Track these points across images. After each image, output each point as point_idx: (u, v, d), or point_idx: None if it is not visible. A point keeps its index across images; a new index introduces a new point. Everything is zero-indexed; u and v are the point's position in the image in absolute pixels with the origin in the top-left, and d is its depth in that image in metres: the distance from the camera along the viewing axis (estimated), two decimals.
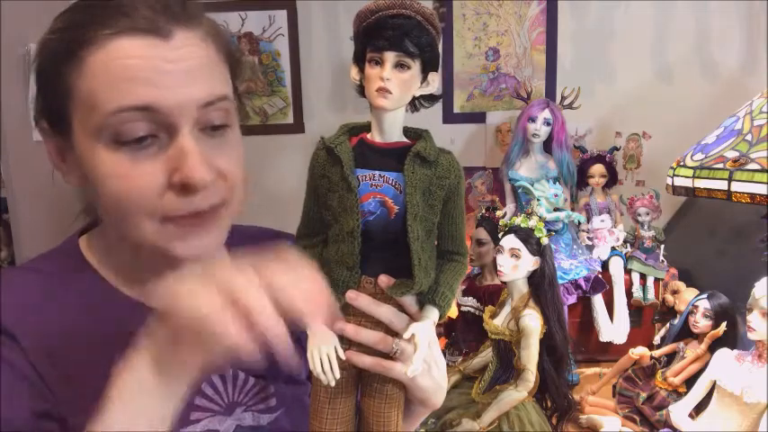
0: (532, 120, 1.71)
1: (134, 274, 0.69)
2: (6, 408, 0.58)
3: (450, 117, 1.99)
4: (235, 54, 0.67)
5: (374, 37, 0.62)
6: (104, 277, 0.68)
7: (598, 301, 1.65)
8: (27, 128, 1.74)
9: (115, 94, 0.57)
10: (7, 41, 1.78)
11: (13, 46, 1.78)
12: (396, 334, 0.66)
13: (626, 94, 1.90)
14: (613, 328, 1.63)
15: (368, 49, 0.63)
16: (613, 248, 1.71)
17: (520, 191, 1.75)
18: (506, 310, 1.25)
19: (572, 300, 1.62)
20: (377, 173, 0.64)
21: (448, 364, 0.76)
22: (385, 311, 0.65)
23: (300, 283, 0.48)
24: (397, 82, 0.62)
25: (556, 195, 1.61)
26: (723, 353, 1.26)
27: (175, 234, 0.62)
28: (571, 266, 1.64)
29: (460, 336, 1.58)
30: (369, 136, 0.66)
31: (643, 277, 1.67)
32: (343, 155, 0.63)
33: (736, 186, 1.10)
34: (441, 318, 0.67)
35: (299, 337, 0.80)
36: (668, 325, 1.56)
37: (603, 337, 1.63)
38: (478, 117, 1.99)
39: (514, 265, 1.22)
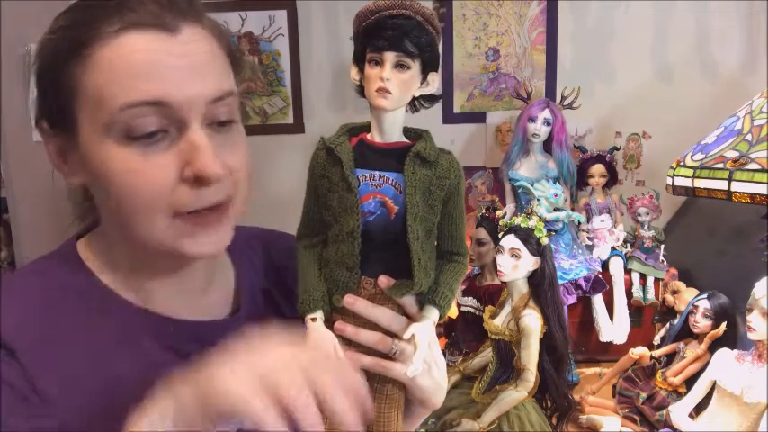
0: (532, 120, 1.71)
1: (134, 277, 0.68)
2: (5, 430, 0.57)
3: (450, 117, 1.99)
4: (235, 53, 0.68)
5: (374, 37, 0.62)
6: (103, 281, 0.67)
7: (598, 301, 1.65)
8: (27, 128, 1.74)
9: (125, 88, 0.56)
10: (7, 41, 1.78)
11: (13, 46, 1.78)
12: (395, 334, 0.65)
13: (626, 94, 1.90)
14: (613, 328, 1.63)
15: (368, 50, 0.63)
16: (613, 248, 1.71)
17: (520, 191, 1.75)
18: (506, 310, 1.25)
19: (572, 300, 1.62)
20: (377, 173, 0.64)
21: (448, 364, 0.76)
22: (383, 314, 0.65)
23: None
24: (397, 82, 0.62)
25: (556, 195, 1.61)
26: (723, 353, 1.26)
27: (185, 231, 0.61)
28: (571, 266, 1.64)
29: (460, 336, 1.57)
30: (369, 136, 0.66)
31: (643, 277, 1.67)
32: (343, 155, 0.63)
33: (736, 186, 1.10)
34: (441, 318, 0.66)
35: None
36: (668, 325, 1.57)
37: (603, 337, 1.63)
38: (478, 117, 1.99)
39: (514, 265, 1.22)
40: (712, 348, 1.33)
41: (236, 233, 0.67)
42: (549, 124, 1.71)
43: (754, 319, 1.18)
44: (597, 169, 1.76)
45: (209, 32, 0.63)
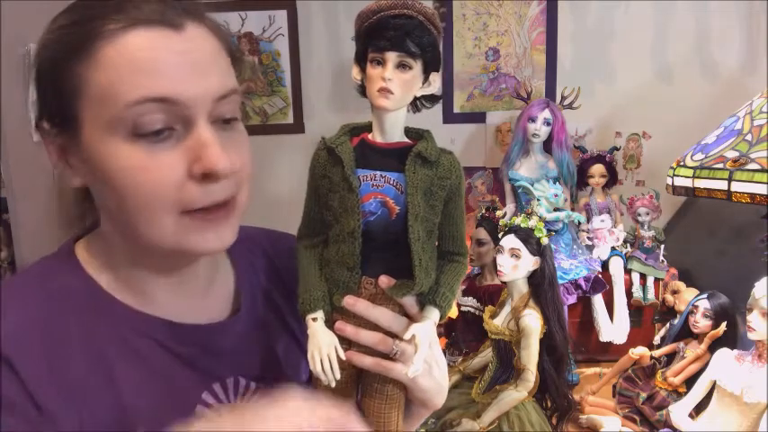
0: (532, 120, 1.71)
1: (133, 279, 0.68)
2: None
3: (450, 117, 1.99)
4: (236, 53, 0.68)
5: (376, 37, 0.62)
6: (102, 285, 0.67)
7: (598, 301, 1.65)
8: (27, 128, 1.73)
9: (132, 86, 0.56)
10: (7, 41, 1.78)
11: (13, 46, 1.78)
12: (396, 335, 0.65)
13: (626, 94, 1.90)
14: (613, 328, 1.63)
15: (369, 50, 0.63)
16: (613, 248, 1.71)
17: (520, 191, 1.75)
18: (506, 310, 1.25)
19: (572, 300, 1.62)
20: (378, 173, 0.64)
21: (448, 365, 0.76)
22: (383, 315, 0.65)
23: None
24: (399, 82, 0.62)
25: (556, 195, 1.61)
26: (723, 353, 1.26)
27: (192, 228, 0.61)
28: (571, 266, 1.64)
29: (460, 336, 1.57)
30: (370, 136, 0.66)
31: (643, 277, 1.67)
32: (344, 155, 0.63)
33: (736, 186, 1.10)
34: (441, 318, 0.66)
35: (299, 338, 0.80)
36: (668, 325, 1.56)
37: (603, 337, 1.63)
38: (478, 117, 1.99)
39: (514, 265, 1.22)
40: (712, 348, 1.33)
41: None
42: (549, 124, 1.71)
43: (754, 319, 1.18)
44: (597, 169, 1.76)
45: (210, 31, 0.63)
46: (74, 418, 0.60)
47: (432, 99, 0.67)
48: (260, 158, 2.02)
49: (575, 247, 1.71)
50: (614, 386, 1.49)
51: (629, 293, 1.66)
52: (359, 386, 0.70)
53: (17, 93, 1.78)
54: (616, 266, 1.67)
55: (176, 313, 0.69)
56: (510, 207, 1.80)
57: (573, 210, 1.75)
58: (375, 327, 0.65)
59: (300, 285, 0.66)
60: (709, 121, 1.33)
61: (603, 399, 1.48)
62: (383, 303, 0.65)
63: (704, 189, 1.17)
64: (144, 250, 0.64)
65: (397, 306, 0.66)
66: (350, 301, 0.64)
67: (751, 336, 1.20)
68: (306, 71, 2.03)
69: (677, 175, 1.24)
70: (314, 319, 0.64)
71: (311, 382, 0.78)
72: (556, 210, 1.62)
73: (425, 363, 0.66)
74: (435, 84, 0.65)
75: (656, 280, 1.66)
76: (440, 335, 1.63)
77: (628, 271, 1.68)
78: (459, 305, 1.56)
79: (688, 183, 1.21)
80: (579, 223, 1.73)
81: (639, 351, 1.48)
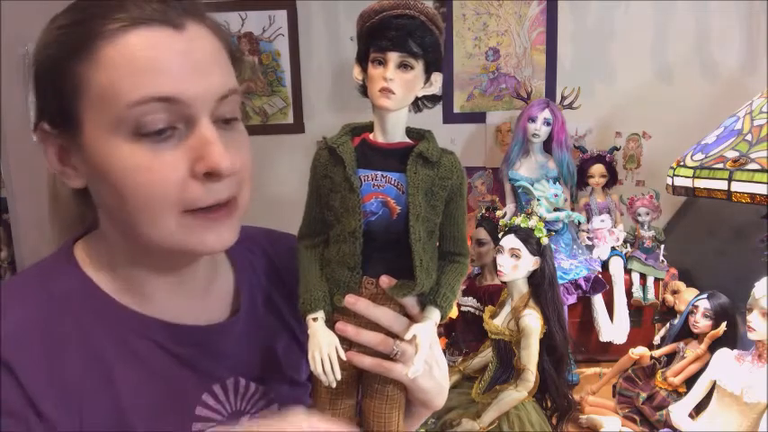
0: (532, 120, 1.71)
1: (133, 280, 0.67)
2: None
3: (450, 117, 1.99)
4: (236, 53, 0.68)
5: (377, 37, 0.61)
6: (101, 287, 0.67)
7: (598, 301, 1.65)
8: (27, 128, 1.72)
9: (135, 85, 0.56)
10: (7, 41, 1.78)
11: (13, 46, 1.78)
12: (396, 335, 0.65)
13: (626, 94, 1.90)
14: (613, 328, 1.63)
15: (371, 50, 0.62)
16: (613, 248, 1.71)
17: (520, 191, 1.75)
18: (506, 310, 1.25)
19: (572, 300, 1.62)
20: (379, 173, 0.64)
21: (448, 365, 0.76)
22: (384, 315, 0.65)
23: None
24: (401, 82, 0.61)
25: (556, 195, 1.61)
26: (723, 353, 1.26)
27: (195, 227, 0.61)
28: (571, 266, 1.64)
29: (460, 336, 1.58)
30: (371, 136, 0.66)
31: (643, 277, 1.67)
32: (345, 155, 0.63)
33: (736, 186, 1.10)
34: (442, 319, 0.66)
35: (300, 338, 0.80)
36: (668, 325, 1.57)
37: (603, 337, 1.63)
38: (478, 117, 1.99)
39: (514, 265, 1.22)
40: (712, 348, 1.33)
41: None
42: (549, 124, 1.71)
43: (754, 319, 1.18)
44: (597, 169, 1.76)
45: (211, 31, 0.63)
46: (74, 420, 0.60)
47: (433, 99, 0.67)
48: (260, 158, 2.03)
49: (575, 247, 1.71)
50: (614, 386, 1.49)
51: (629, 293, 1.66)
52: (360, 387, 0.70)
53: (17, 93, 1.78)
54: (616, 266, 1.67)
55: (175, 314, 0.69)
56: (510, 207, 1.80)
57: (573, 210, 1.75)
58: (375, 327, 0.65)
59: (301, 285, 0.66)
60: (709, 121, 1.33)
61: (603, 399, 1.48)
62: (384, 303, 0.65)
63: (704, 189, 1.17)
64: (144, 250, 0.64)
65: (397, 306, 0.66)
66: (351, 300, 0.64)
67: (751, 336, 1.20)
68: (306, 71, 2.03)
69: (677, 175, 1.24)
70: (314, 319, 0.64)
71: (311, 382, 0.78)
72: (556, 210, 1.62)
73: (426, 363, 0.66)
74: (437, 84, 0.65)
75: (656, 280, 1.66)
76: (440, 335, 1.63)
77: (628, 271, 1.68)
78: (459, 305, 1.56)
79: (688, 183, 1.21)
80: (579, 223, 1.73)
81: (639, 351, 1.48)
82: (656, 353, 1.48)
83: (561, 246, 1.68)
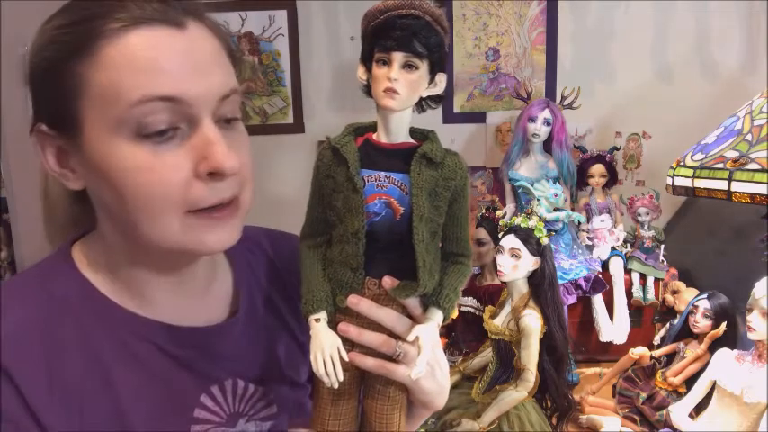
0: (532, 120, 1.71)
1: (132, 282, 0.67)
2: None
3: (450, 117, 1.99)
4: (235, 53, 0.68)
5: (382, 37, 0.61)
6: (99, 289, 0.66)
7: (598, 301, 1.65)
8: (27, 128, 1.74)
9: (137, 85, 0.56)
10: (7, 41, 1.78)
11: (13, 46, 1.78)
12: (399, 336, 0.65)
13: (626, 94, 1.90)
14: (613, 328, 1.63)
15: (376, 49, 0.62)
16: (613, 248, 1.71)
17: (520, 191, 1.75)
18: (506, 310, 1.25)
19: (572, 300, 1.62)
20: (382, 174, 0.63)
21: (448, 365, 0.76)
22: (387, 315, 0.64)
23: None
24: (405, 83, 0.61)
25: (556, 195, 1.61)
26: (723, 353, 1.26)
27: (198, 227, 0.61)
28: (571, 266, 1.64)
29: (460, 336, 1.58)
30: (375, 136, 0.65)
31: (643, 277, 1.67)
32: (348, 155, 0.63)
33: (736, 186, 1.10)
34: (444, 320, 0.66)
35: (299, 339, 0.80)
36: (668, 325, 1.56)
37: (603, 337, 1.63)
38: (478, 117, 1.99)
39: (514, 265, 1.22)
40: (712, 348, 1.32)
41: None
42: (549, 124, 1.71)
43: (754, 319, 1.18)
44: (597, 169, 1.76)
45: (211, 31, 0.63)
46: (73, 422, 0.60)
47: (437, 99, 0.67)
48: (260, 158, 2.03)
49: (575, 247, 1.71)
50: (614, 386, 1.49)
51: (629, 293, 1.66)
52: (361, 387, 0.69)
53: (17, 93, 1.78)
54: (616, 266, 1.67)
55: (174, 315, 0.69)
56: (510, 207, 1.80)
57: (573, 210, 1.75)
58: (378, 328, 0.65)
59: (303, 286, 0.66)
60: (709, 121, 1.33)
61: (603, 399, 1.48)
62: (386, 304, 0.65)
63: (704, 189, 1.17)
64: (145, 250, 0.64)
65: (400, 307, 0.66)
66: (353, 300, 0.64)
67: (751, 336, 1.20)
68: (306, 71, 2.02)
69: (677, 175, 1.24)
70: (317, 320, 0.64)
71: (311, 383, 0.78)
72: (556, 210, 1.62)
73: (428, 365, 0.65)
74: (441, 84, 0.65)
75: (656, 280, 1.66)
76: (440, 335, 1.63)
77: (628, 271, 1.68)
78: (459, 305, 1.56)
79: (688, 183, 1.21)
80: (579, 223, 1.73)
81: (639, 351, 1.48)
82: (656, 353, 1.48)
83: (561, 246, 1.68)
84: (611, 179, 1.78)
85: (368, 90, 0.65)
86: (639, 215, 1.71)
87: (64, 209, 0.73)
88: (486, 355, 1.34)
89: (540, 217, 1.29)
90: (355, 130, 0.66)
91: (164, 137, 0.58)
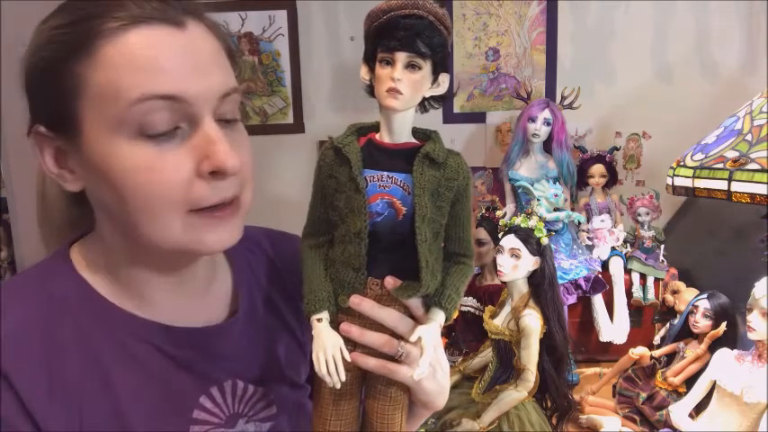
0: (532, 120, 1.71)
1: (131, 283, 0.67)
2: None
3: (450, 117, 1.99)
4: (234, 53, 0.68)
5: (385, 37, 0.61)
6: (98, 290, 0.66)
7: (598, 301, 1.65)
8: (26, 128, 1.74)
9: (138, 83, 0.56)
10: (7, 41, 1.78)
11: (13, 46, 1.78)
12: (401, 336, 0.65)
13: (626, 94, 1.90)
14: (613, 328, 1.63)
15: (379, 49, 0.62)
16: (613, 248, 1.71)
17: (520, 191, 1.75)
18: (506, 310, 1.25)
19: (572, 300, 1.62)
20: (385, 174, 0.63)
21: (449, 365, 0.76)
22: (389, 315, 0.64)
23: None
24: (408, 83, 0.61)
25: (556, 195, 1.61)
26: (723, 353, 1.26)
27: (201, 226, 0.61)
28: (571, 266, 1.64)
29: (460, 336, 1.58)
30: (377, 136, 0.65)
31: (643, 277, 1.67)
32: (351, 155, 0.62)
33: (736, 186, 1.10)
34: (447, 321, 0.66)
35: (300, 339, 0.80)
36: (668, 325, 1.57)
37: (603, 337, 1.63)
38: (478, 117, 1.99)
39: (514, 265, 1.22)
40: (712, 348, 1.33)
41: None
42: (549, 124, 1.71)
43: (754, 319, 1.18)
44: (597, 169, 1.76)
45: (210, 30, 0.63)
46: (72, 424, 0.60)
47: (440, 99, 0.66)
48: (260, 158, 2.01)
49: (575, 247, 1.71)
50: (614, 386, 1.49)
51: (629, 293, 1.66)
52: (363, 388, 0.69)
53: (17, 93, 1.78)
54: (616, 266, 1.67)
55: (173, 315, 0.68)
56: (510, 207, 1.80)
57: (573, 210, 1.75)
58: (380, 328, 0.65)
59: (305, 285, 0.65)
60: (709, 121, 1.33)
61: (603, 399, 1.48)
62: (389, 304, 0.65)
63: (704, 189, 1.17)
64: (145, 251, 0.64)
65: (402, 307, 0.65)
66: (356, 301, 0.63)
67: (751, 336, 1.20)
68: (306, 71, 2.02)
69: (677, 175, 1.24)
70: (319, 320, 0.63)
71: (311, 383, 0.78)
72: (556, 210, 1.62)
73: (430, 366, 0.65)
74: (444, 84, 0.65)
75: (656, 280, 1.66)
76: (440, 335, 1.63)
77: (628, 271, 1.68)
78: (459, 305, 1.56)
79: (688, 183, 1.21)
80: (579, 223, 1.73)
81: (639, 351, 1.48)
82: (656, 353, 1.48)
83: (561, 246, 1.68)
84: (611, 179, 1.78)
85: (371, 90, 0.65)
86: (639, 215, 1.71)
87: (60, 211, 0.72)
88: (486, 355, 1.34)
89: (540, 217, 1.29)
90: (358, 130, 0.66)
91: (165, 136, 0.58)
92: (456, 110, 2.00)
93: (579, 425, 1.41)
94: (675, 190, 1.26)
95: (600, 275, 1.65)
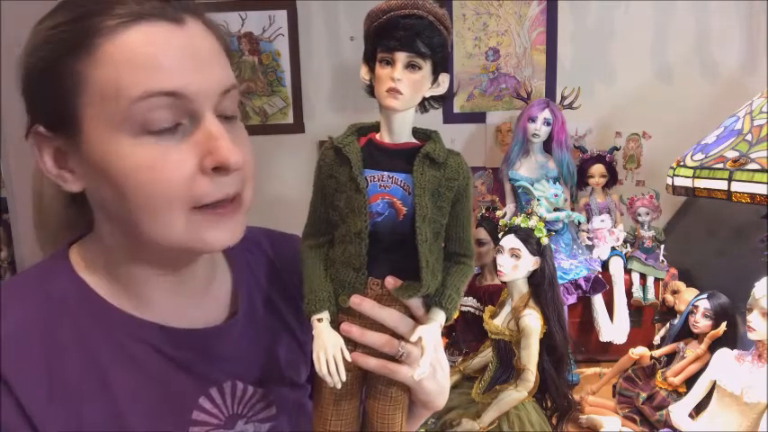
0: (532, 120, 1.71)
1: (131, 283, 0.67)
2: None
3: (450, 117, 1.99)
4: (232, 53, 0.68)
5: (385, 37, 0.61)
6: (97, 291, 0.66)
7: (598, 301, 1.65)
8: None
9: (138, 80, 0.56)
10: (7, 41, 1.78)
11: (13, 46, 1.78)
12: (401, 336, 0.65)
13: (626, 94, 1.90)
14: (613, 328, 1.63)
15: (378, 49, 0.62)
16: (613, 248, 1.71)
17: (520, 191, 1.75)
18: (506, 310, 1.25)
19: (572, 300, 1.62)
20: (385, 174, 0.63)
21: (449, 365, 0.76)
22: (389, 315, 0.64)
23: None
24: (408, 83, 0.61)
25: (556, 195, 1.61)
26: (723, 353, 1.26)
27: (203, 223, 0.61)
28: (571, 266, 1.64)
29: (460, 336, 1.58)
30: (378, 136, 0.65)
31: (643, 277, 1.67)
32: (351, 155, 0.62)
33: (736, 186, 1.10)
34: (447, 321, 0.66)
35: (300, 339, 0.80)
36: (668, 325, 1.57)
37: (603, 337, 1.63)
38: (478, 117, 1.99)
39: (514, 265, 1.22)
40: (712, 348, 1.33)
41: None
42: (549, 124, 1.71)
43: (754, 319, 1.18)
44: (597, 169, 1.76)
45: (208, 28, 0.63)
46: (71, 425, 0.60)
47: (440, 99, 0.66)
48: (260, 158, 2.02)
49: (575, 247, 1.71)
50: (614, 386, 1.49)
51: (629, 293, 1.66)
52: (363, 388, 0.69)
53: (17, 93, 1.78)
54: (616, 266, 1.67)
55: (173, 316, 0.68)
56: (510, 207, 1.80)
57: (573, 210, 1.75)
58: (381, 328, 0.65)
59: (306, 285, 0.65)
60: (709, 121, 1.33)
61: (603, 399, 1.48)
62: (389, 304, 0.65)
63: (704, 189, 1.17)
64: (145, 250, 0.64)
65: (403, 307, 0.65)
66: (356, 301, 0.63)
67: (751, 336, 1.20)
68: (306, 71, 2.02)
69: (677, 175, 1.24)
70: (319, 320, 0.63)
71: (311, 383, 0.78)
72: (556, 210, 1.62)
73: (430, 365, 0.65)
74: (444, 84, 0.65)
75: (656, 280, 1.66)
76: (441, 335, 1.63)
77: (628, 271, 1.68)
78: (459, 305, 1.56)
79: (688, 183, 1.21)
80: (579, 223, 1.73)
81: (639, 351, 1.48)
82: (656, 353, 1.48)
83: (561, 246, 1.68)
84: (611, 179, 1.78)
85: (371, 90, 0.65)
86: (639, 215, 1.71)
87: (57, 213, 0.72)
88: (486, 355, 1.34)
89: (540, 217, 1.29)
90: (358, 130, 0.66)
91: (166, 133, 0.57)
92: (456, 110, 2.00)
93: (579, 425, 1.41)
94: (675, 190, 1.26)
95: (600, 275, 1.65)
